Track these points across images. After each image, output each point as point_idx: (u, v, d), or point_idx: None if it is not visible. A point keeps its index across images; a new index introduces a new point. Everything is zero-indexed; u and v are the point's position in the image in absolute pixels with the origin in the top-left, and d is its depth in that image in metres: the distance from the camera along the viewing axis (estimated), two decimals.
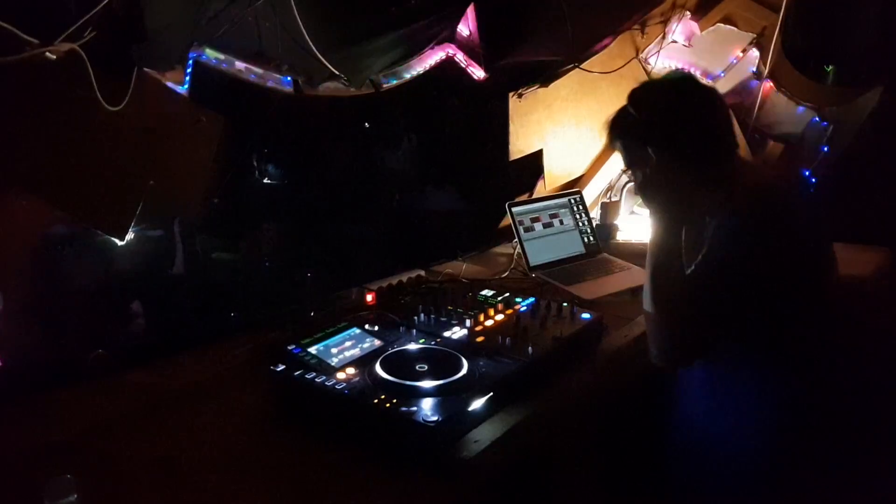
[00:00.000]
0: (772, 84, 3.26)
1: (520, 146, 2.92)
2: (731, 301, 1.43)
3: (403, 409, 1.38)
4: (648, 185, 1.59)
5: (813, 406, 1.52)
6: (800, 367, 1.50)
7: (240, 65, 2.06)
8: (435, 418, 1.34)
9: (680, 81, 1.64)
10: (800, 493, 1.51)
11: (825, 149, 3.26)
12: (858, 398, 2.19)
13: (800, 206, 1.64)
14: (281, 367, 1.58)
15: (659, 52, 3.05)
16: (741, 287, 1.42)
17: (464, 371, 1.54)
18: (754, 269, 1.41)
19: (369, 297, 2.16)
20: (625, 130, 1.61)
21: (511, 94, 2.82)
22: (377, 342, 1.73)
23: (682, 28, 3.08)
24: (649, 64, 3.08)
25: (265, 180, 2.52)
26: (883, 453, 2.30)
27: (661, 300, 1.50)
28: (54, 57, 1.54)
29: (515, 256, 2.73)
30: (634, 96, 1.61)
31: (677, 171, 1.54)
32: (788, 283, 1.44)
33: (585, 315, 1.94)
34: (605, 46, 2.86)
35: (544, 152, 2.98)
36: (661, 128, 1.55)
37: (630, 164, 1.64)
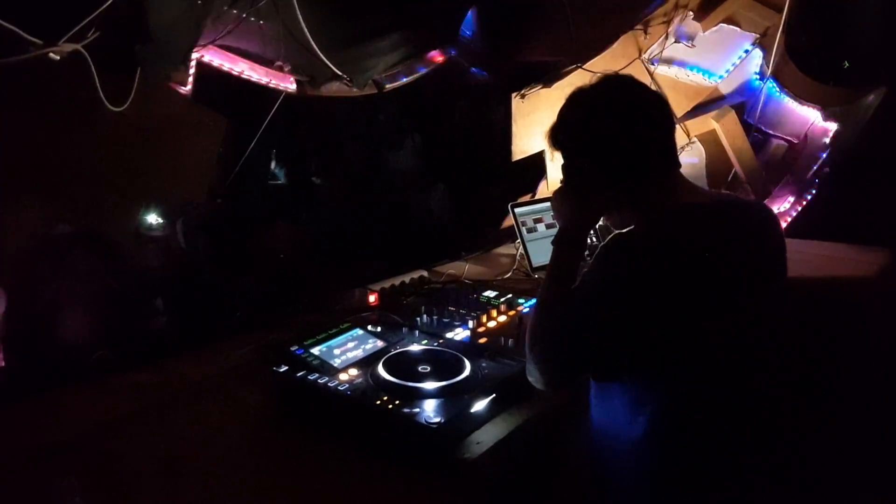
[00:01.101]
0: (775, 84, 3.26)
1: (522, 147, 2.91)
2: (603, 329, 1.31)
3: (406, 410, 1.38)
4: (567, 196, 1.52)
5: (697, 420, 1.37)
6: (673, 387, 1.36)
7: (243, 65, 2.06)
8: (437, 419, 1.34)
9: (611, 89, 1.48)
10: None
11: (828, 149, 3.26)
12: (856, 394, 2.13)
13: (722, 240, 1.40)
14: (283, 368, 1.58)
15: (662, 52, 3.05)
16: (614, 316, 1.30)
17: (466, 372, 1.54)
18: (629, 301, 1.29)
19: (372, 298, 2.16)
20: (554, 139, 1.52)
21: (513, 95, 2.81)
22: (380, 343, 1.73)
23: (684, 28, 3.07)
24: (652, 64, 3.08)
25: (268, 181, 2.53)
26: (878, 447, 2.29)
27: (545, 324, 1.40)
28: (58, 57, 1.55)
29: (518, 257, 2.72)
30: (564, 104, 1.52)
31: (603, 184, 1.45)
32: (666, 321, 1.30)
33: None
34: (608, 47, 2.85)
35: (547, 153, 2.98)
36: (583, 137, 1.46)
37: (561, 170, 1.55)
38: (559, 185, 1.55)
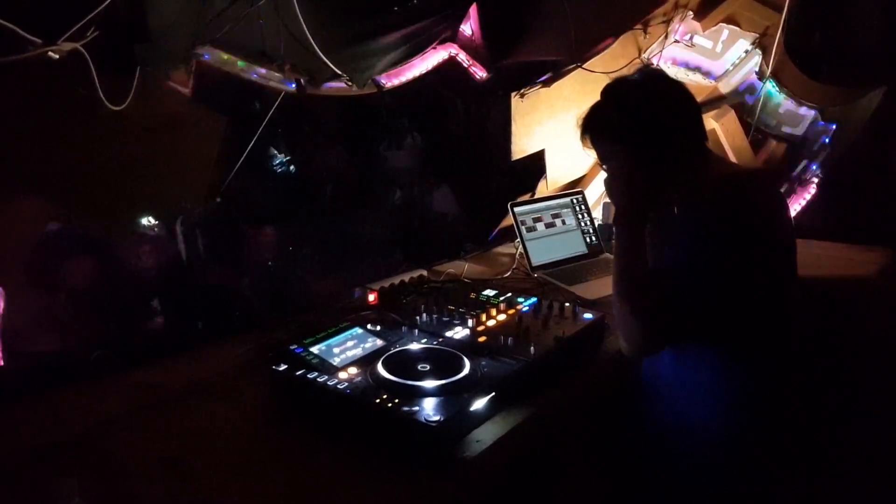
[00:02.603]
0: (774, 84, 3.26)
1: (522, 146, 2.92)
2: (696, 293, 1.44)
3: (405, 408, 1.38)
4: (616, 181, 1.64)
5: (777, 396, 1.55)
6: (762, 356, 1.53)
7: (242, 64, 2.06)
8: (437, 418, 1.34)
9: (648, 78, 1.65)
10: (767, 481, 1.53)
11: (827, 149, 3.26)
12: (856, 394, 2.20)
13: (768, 198, 1.65)
14: (283, 367, 1.58)
15: (661, 52, 3.05)
16: (706, 279, 1.44)
17: (466, 371, 1.54)
18: (717, 261, 1.44)
19: (371, 297, 2.16)
20: (595, 127, 1.66)
21: (513, 94, 2.81)
22: (379, 342, 1.73)
23: (684, 28, 3.07)
24: (652, 64, 3.08)
25: (268, 180, 2.53)
26: (877, 447, 2.30)
27: (626, 293, 1.51)
28: (57, 56, 1.55)
29: (518, 256, 2.73)
30: (605, 93, 1.65)
31: (645, 166, 1.58)
32: (754, 275, 1.47)
33: (588, 315, 1.94)
34: (608, 46, 2.85)
35: (546, 152, 2.98)
36: (629, 124, 1.58)
37: (602, 160, 1.69)
38: (610, 175, 1.67)
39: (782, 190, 1.72)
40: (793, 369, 1.56)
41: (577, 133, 1.70)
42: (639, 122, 1.56)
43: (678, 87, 1.61)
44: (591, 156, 1.72)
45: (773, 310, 1.52)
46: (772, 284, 1.51)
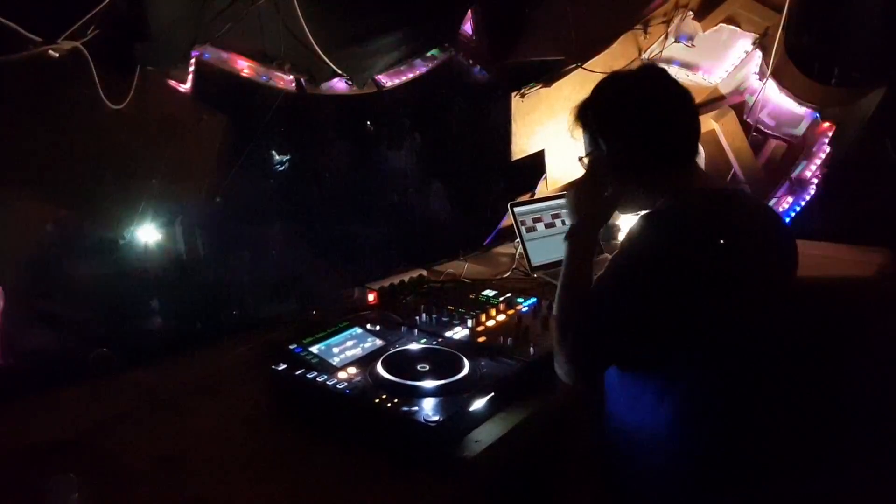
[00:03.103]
0: (774, 84, 3.26)
1: (522, 146, 2.91)
2: (637, 307, 1.32)
3: (405, 408, 1.38)
4: (577, 184, 1.56)
5: (725, 410, 1.40)
6: (701, 379, 1.38)
7: (242, 63, 2.06)
8: (436, 418, 1.34)
9: (648, 77, 1.53)
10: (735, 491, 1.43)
11: (827, 149, 3.26)
12: (856, 395, 2.15)
13: (745, 219, 1.45)
14: (282, 367, 1.58)
15: (661, 52, 3.05)
16: (647, 291, 1.31)
17: (465, 371, 1.54)
18: (642, 293, 1.32)
19: (371, 297, 2.16)
20: (583, 118, 1.56)
21: (513, 94, 2.81)
22: (379, 342, 1.73)
23: (684, 28, 3.07)
24: (657, 62, 3.08)
25: (268, 179, 2.52)
26: (877, 447, 2.29)
27: (566, 311, 1.43)
28: (57, 55, 1.55)
29: (517, 256, 2.72)
30: (599, 85, 1.56)
31: (621, 172, 1.49)
32: (700, 294, 1.31)
33: None
34: (608, 46, 2.85)
35: (546, 152, 2.98)
36: (614, 120, 1.50)
37: (586, 153, 1.59)
38: (577, 177, 1.58)
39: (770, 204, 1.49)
40: (747, 382, 1.40)
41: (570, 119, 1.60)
42: (626, 121, 1.47)
43: (678, 90, 1.48)
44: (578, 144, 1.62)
45: (712, 331, 1.35)
46: (714, 310, 1.33)
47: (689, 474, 1.41)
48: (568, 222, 1.57)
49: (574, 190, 1.58)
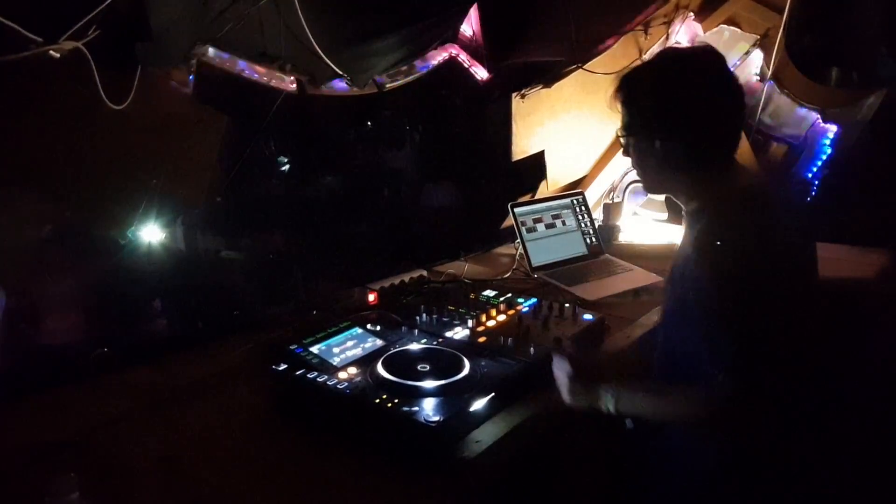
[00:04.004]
0: (775, 85, 3.26)
1: (522, 147, 2.92)
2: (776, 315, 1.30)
3: (405, 409, 1.38)
4: (638, 158, 1.53)
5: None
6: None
7: (243, 64, 2.06)
8: (436, 418, 1.34)
9: (707, 61, 1.44)
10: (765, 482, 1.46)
11: (827, 151, 3.26)
12: (856, 396, 2.17)
13: (790, 209, 1.55)
14: (283, 367, 1.58)
15: None
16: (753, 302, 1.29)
17: (466, 371, 1.54)
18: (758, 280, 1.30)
19: (371, 297, 2.16)
20: (633, 91, 1.48)
21: (514, 95, 2.81)
22: (379, 342, 1.73)
23: (685, 29, 3.07)
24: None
25: (268, 180, 2.52)
26: (878, 448, 2.29)
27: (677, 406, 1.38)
28: (58, 55, 1.54)
29: (518, 257, 2.73)
30: (654, 61, 1.50)
31: (669, 152, 1.44)
32: (784, 293, 1.33)
33: (587, 316, 1.94)
34: (609, 47, 2.85)
35: (547, 153, 2.98)
36: (674, 101, 1.42)
37: (624, 128, 1.53)
38: (631, 150, 1.54)
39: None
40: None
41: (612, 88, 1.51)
42: (688, 106, 1.40)
43: (733, 80, 1.44)
44: (616, 117, 1.54)
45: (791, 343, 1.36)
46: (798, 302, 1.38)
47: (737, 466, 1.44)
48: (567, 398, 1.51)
49: (569, 385, 1.49)
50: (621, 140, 1.55)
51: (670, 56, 1.52)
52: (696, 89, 1.41)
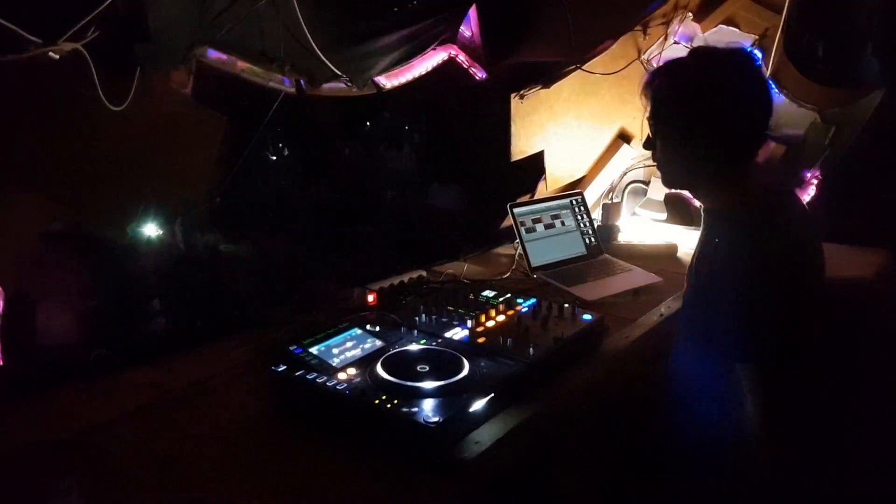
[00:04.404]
0: (774, 85, 3.26)
1: (521, 147, 2.92)
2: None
3: (404, 409, 1.38)
4: (664, 153, 1.55)
5: (805, 404, 1.50)
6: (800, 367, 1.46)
7: (242, 65, 2.06)
8: (436, 419, 1.34)
9: (740, 62, 1.46)
10: (794, 487, 1.50)
11: (826, 151, 3.26)
12: (856, 396, 2.18)
13: (804, 209, 1.60)
14: (282, 367, 1.58)
15: (661, 53, 3.05)
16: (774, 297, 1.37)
17: (465, 372, 1.54)
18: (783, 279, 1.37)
19: (370, 298, 2.16)
20: (662, 87, 1.49)
21: (513, 95, 2.82)
22: (378, 343, 1.73)
23: (683, 29, 3.08)
24: (651, 65, 3.08)
25: (268, 180, 2.53)
26: (877, 448, 2.30)
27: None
28: (57, 56, 1.54)
29: (517, 257, 2.73)
30: (688, 59, 1.50)
31: (698, 149, 1.45)
32: (807, 291, 1.43)
33: (587, 316, 1.94)
34: (608, 48, 2.86)
35: (546, 153, 2.98)
36: (702, 101, 1.43)
37: (652, 117, 1.54)
38: (658, 144, 1.56)
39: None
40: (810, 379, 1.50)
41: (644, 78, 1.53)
42: (714, 105, 1.42)
43: (763, 80, 1.48)
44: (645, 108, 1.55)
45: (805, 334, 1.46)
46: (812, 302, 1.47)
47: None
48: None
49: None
50: (650, 132, 1.57)
51: (706, 54, 1.52)
52: (731, 89, 1.42)
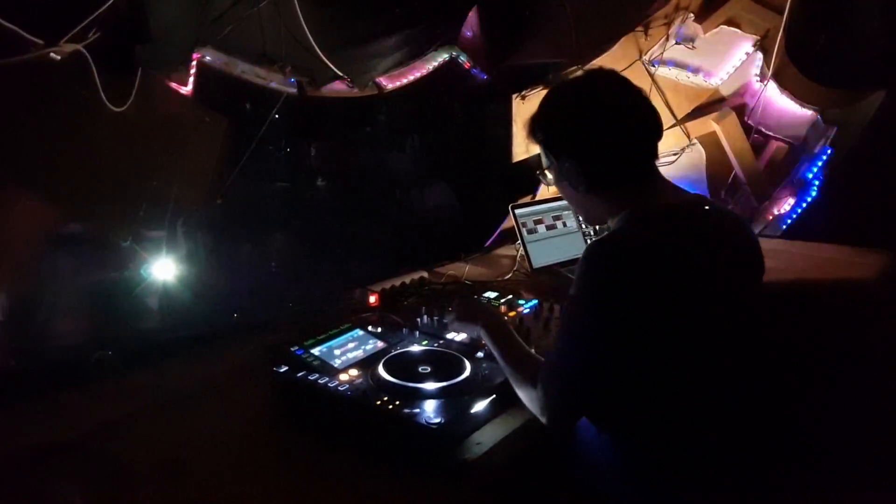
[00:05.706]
0: (775, 86, 3.26)
1: (522, 148, 2.92)
2: (599, 351, 1.27)
3: (406, 410, 1.38)
4: (561, 191, 1.52)
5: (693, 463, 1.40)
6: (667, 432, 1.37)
7: (243, 66, 2.06)
8: (438, 420, 1.34)
9: (591, 84, 1.44)
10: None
11: (828, 151, 3.26)
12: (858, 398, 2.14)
13: (700, 234, 1.38)
14: (284, 369, 1.58)
15: (662, 54, 3.05)
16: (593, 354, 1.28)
17: (467, 373, 1.54)
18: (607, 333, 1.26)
19: (372, 299, 2.16)
20: (532, 133, 1.52)
21: (514, 96, 2.81)
22: (380, 344, 1.73)
23: (685, 30, 3.07)
24: (653, 66, 3.08)
25: (269, 181, 2.52)
26: (879, 448, 2.29)
27: (520, 373, 1.42)
28: (59, 58, 1.55)
29: (518, 258, 2.72)
30: (544, 97, 1.51)
31: (574, 179, 1.42)
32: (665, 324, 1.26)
33: None
34: (609, 48, 2.86)
35: None
36: (558, 134, 1.44)
37: (544, 165, 1.55)
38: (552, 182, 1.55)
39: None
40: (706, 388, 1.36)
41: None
42: (570, 134, 1.41)
43: (627, 93, 1.39)
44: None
45: (669, 358, 1.30)
46: (670, 337, 1.28)
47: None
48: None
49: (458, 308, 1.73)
50: (543, 177, 1.59)
51: (556, 90, 1.52)
52: (581, 113, 1.41)
